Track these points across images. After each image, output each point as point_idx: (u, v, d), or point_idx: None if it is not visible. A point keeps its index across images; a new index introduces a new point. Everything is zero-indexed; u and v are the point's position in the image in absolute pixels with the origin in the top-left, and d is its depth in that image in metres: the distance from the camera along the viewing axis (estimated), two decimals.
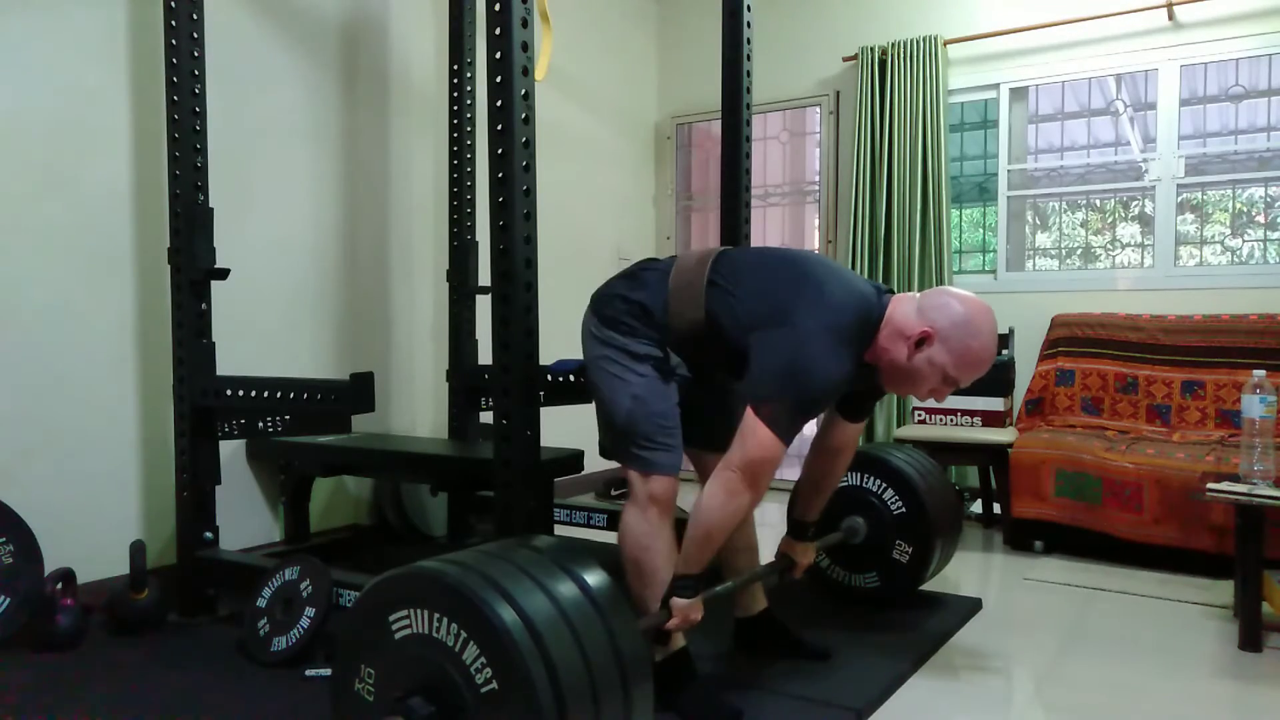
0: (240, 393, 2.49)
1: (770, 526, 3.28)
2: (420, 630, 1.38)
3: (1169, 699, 2.09)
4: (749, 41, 2.90)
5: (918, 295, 1.88)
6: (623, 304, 2.00)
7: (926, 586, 2.91)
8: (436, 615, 1.36)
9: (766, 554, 2.33)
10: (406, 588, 1.41)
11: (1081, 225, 4.78)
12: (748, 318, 1.86)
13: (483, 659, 1.31)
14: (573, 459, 2.71)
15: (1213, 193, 4.43)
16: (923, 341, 1.81)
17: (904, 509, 2.58)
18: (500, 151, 1.96)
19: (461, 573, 1.37)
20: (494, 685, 1.30)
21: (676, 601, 1.85)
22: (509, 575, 1.40)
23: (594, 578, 1.49)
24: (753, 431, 1.76)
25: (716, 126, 3.29)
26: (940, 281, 4.22)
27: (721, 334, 1.91)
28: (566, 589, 1.43)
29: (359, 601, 1.46)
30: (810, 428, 2.15)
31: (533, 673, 1.27)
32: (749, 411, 1.78)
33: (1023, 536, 3.44)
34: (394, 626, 1.40)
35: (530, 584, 1.40)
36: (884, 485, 2.61)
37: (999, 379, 3.68)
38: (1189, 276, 3.96)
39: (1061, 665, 2.30)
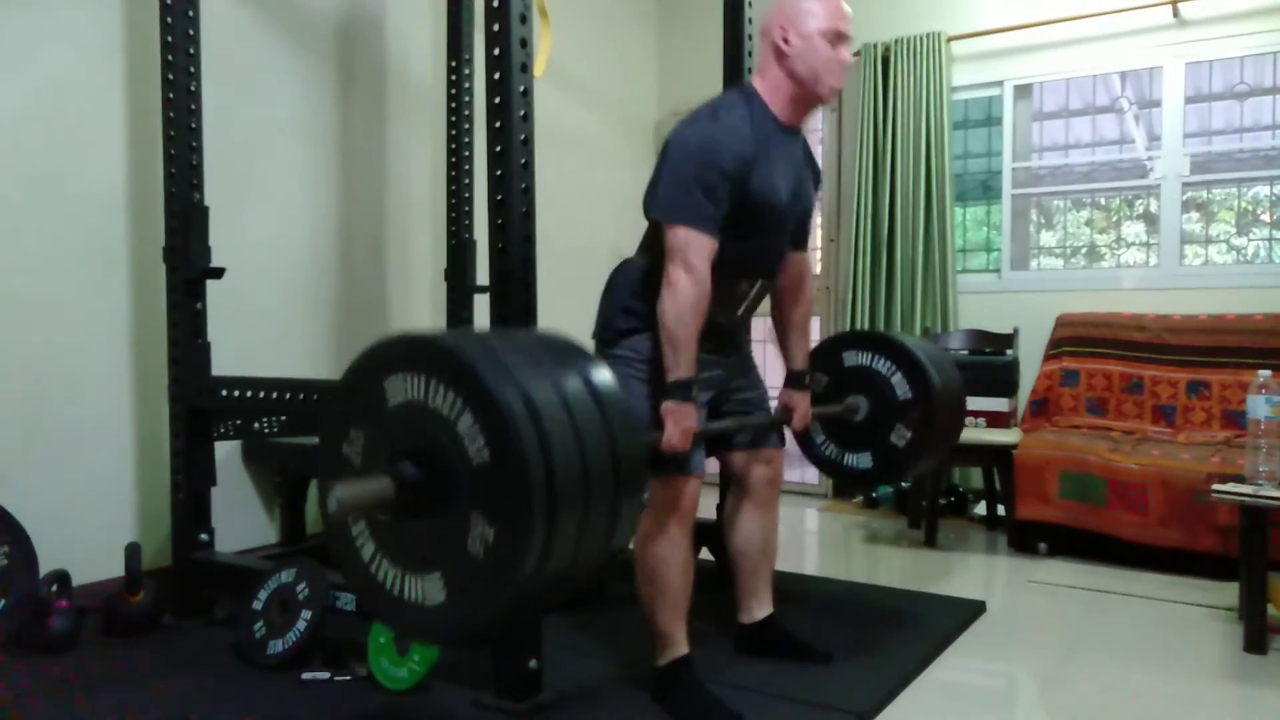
0: (236, 393, 2.47)
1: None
2: (415, 397, 1.32)
3: (1173, 702, 2.07)
4: (750, 38, 2.87)
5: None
6: (612, 315, 2.03)
7: (929, 588, 2.89)
8: (434, 382, 1.29)
9: (781, 559, 2.30)
10: (406, 351, 1.35)
11: (1086, 224, 4.75)
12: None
13: (477, 428, 1.25)
14: None
15: (1218, 191, 4.40)
16: (785, 37, 1.91)
17: (910, 395, 2.47)
18: (499, 149, 1.94)
19: (465, 343, 1.32)
20: (486, 458, 1.25)
21: (666, 405, 1.82)
22: (513, 352, 1.33)
23: (600, 376, 1.40)
24: (664, 233, 1.86)
25: None
26: (945, 281, 4.18)
27: None
28: (572, 381, 1.35)
29: (355, 363, 1.40)
30: None
31: (526, 448, 1.21)
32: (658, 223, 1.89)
33: (1027, 538, 3.41)
34: (388, 391, 1.35)
35: (534, 368, 1.32)
36: (894, 368, 2.50)
37: (1003, 379, 3.65)
38: (1194, 275, 3.93)
39: (1066, 668, 2.27)
